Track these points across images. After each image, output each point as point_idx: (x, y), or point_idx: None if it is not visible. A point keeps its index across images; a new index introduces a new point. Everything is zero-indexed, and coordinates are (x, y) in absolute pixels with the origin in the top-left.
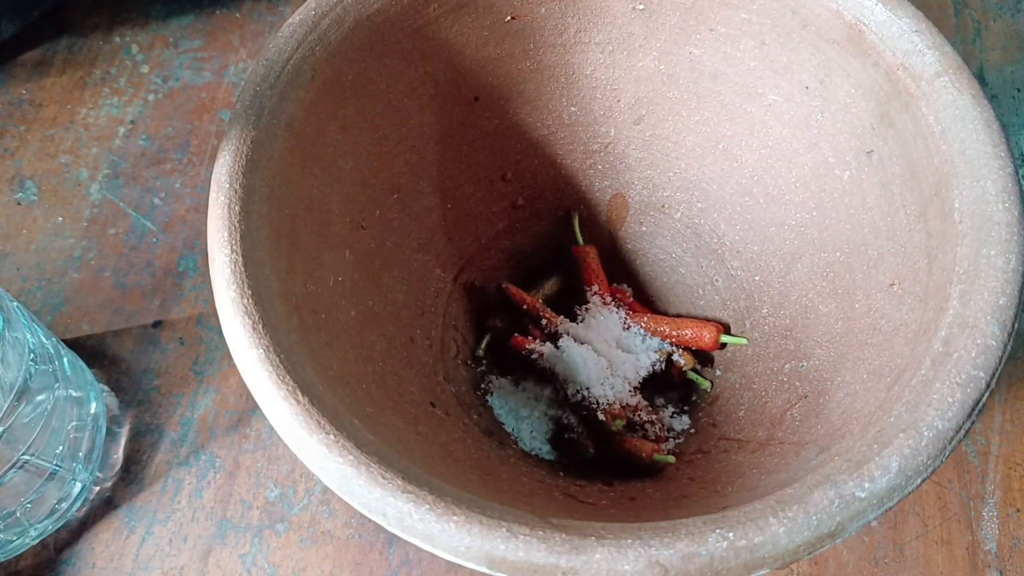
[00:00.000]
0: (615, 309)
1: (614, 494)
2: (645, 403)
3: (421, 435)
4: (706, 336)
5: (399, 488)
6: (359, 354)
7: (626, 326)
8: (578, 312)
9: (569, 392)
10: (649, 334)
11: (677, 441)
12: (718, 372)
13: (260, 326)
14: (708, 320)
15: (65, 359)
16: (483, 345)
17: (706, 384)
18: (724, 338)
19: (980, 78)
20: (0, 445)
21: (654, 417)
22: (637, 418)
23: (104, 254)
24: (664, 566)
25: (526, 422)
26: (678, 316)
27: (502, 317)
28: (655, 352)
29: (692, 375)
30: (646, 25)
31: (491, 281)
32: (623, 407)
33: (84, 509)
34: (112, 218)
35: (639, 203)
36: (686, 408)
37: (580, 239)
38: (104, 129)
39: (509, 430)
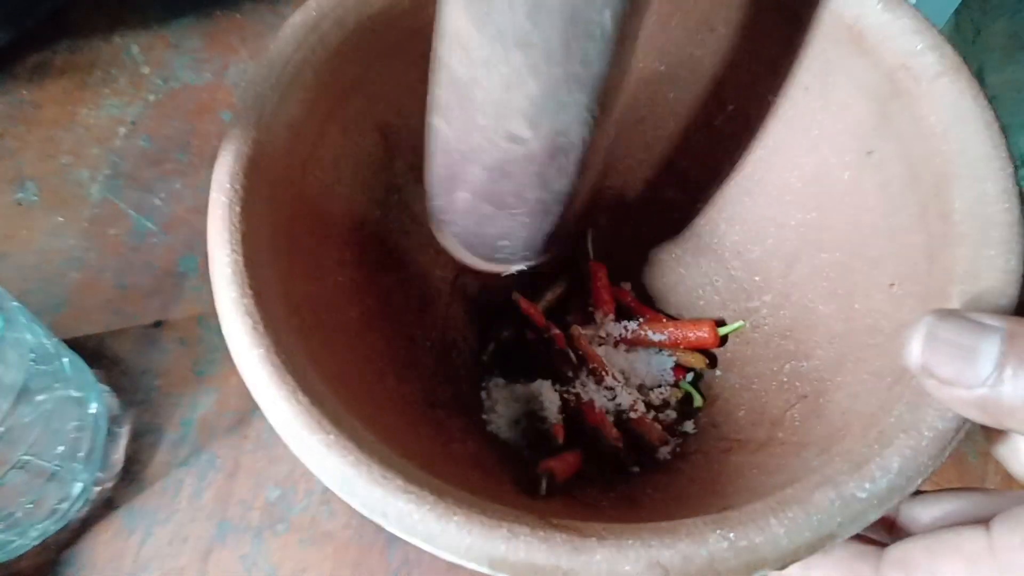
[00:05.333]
0: (622, 326)
1: (615, 495)
2: (645, 410)
3: (421, 435)
4: (705, 334)
5: (399, 488)
6: (359, 354)
7: (632, 351)
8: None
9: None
10: (656, 350)
11: (677, 442)
12: (718, 373)
13: (260, 326)
14: (703, 320)
15: (65, 359)
16: (488, 351)
17: (699, 401)
18: (723, 330)
19: (980, 78)
20: (0, 445)
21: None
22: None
23: (104, 254)
24: (664, 566)
25: (505, 417)
26: (673, 319)
27: (503, 319)
28: (665, 365)
29: (686, 386)
30: (646, 25)
31: (491, 281)
32: (628, 414)
33: (84, 510)
34: (112, 218)
35: (639, 203)
36: (687, 409)
37: (592, 254)
38: (104, 130)
39: (494, 430)
